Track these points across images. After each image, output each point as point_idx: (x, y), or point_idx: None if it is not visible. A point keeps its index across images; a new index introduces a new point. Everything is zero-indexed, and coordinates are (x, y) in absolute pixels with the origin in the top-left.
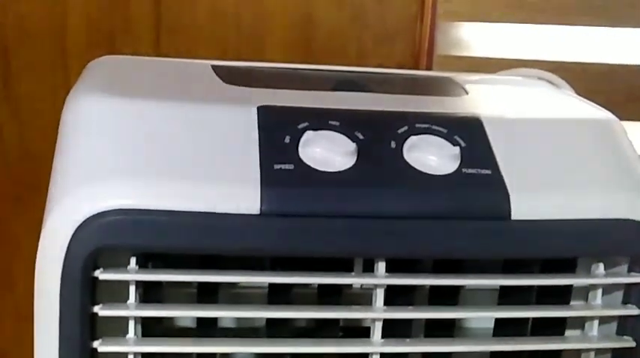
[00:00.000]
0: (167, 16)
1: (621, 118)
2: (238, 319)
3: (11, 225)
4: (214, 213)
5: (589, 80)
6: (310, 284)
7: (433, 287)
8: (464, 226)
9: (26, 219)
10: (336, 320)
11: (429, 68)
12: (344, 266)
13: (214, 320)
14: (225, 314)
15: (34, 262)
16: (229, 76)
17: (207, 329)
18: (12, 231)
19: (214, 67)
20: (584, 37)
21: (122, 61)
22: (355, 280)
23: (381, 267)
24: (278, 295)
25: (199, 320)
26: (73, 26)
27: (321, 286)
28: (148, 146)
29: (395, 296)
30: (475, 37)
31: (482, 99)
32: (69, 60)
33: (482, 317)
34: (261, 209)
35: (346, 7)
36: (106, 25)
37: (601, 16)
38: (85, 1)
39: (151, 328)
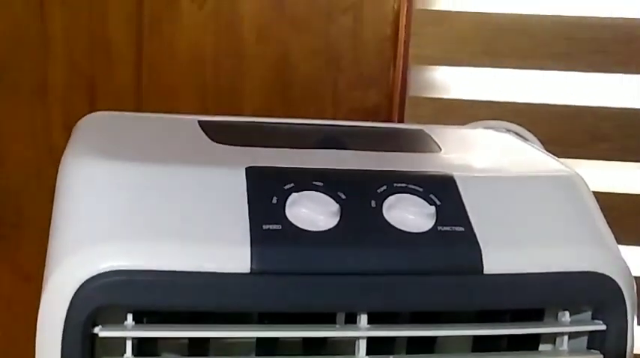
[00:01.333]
0: (148, 60)
1: (586, 157)
2: None
3: None
4: (207, 272)
5: (554, 121)
6: None
7: (411, 337)
8: (440, 281)
9: (7, 256)
10: None
11: (401, 110)
12: (327, 316)
13: None
14: None
15: (13, 299)
16: (217, 134)
17: None
18: None
19: (201, 124)
20: (549, 80)
21: (112, 120)
22: (339, 333)
23: (363, 319)
24: (265, 346)
25: None
26: (54, 68)
27: (305, 337)
28: (142, 209)
29: (375, 344)
30: (445, 80)
31: (454, 155)
32: (50, 101)
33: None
34: (251, 268)
35: (322, 52)
36: (87, 68)
37: (563, 61)
38: (67, 44)
39: None
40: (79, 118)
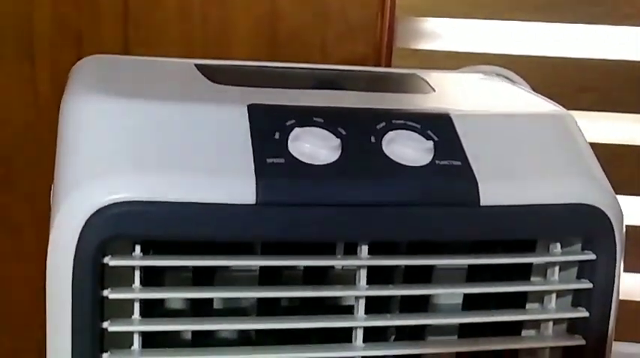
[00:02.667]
0: (135, 12)
1: (571, 108)
2: (230, 301)
3: None
4: (214, 203)
5: (541, 72)
6: (296, 268)
7: (408, 268)
8: (438, 212)
9: None
10: (320, 302)
11: (388, 61)
12: (326, 250)
13: (209, 302)
14: (220, 295)
15: (4, 253)
16: (214, 76)
17: (202, 310)
18: None
19: (198, 67)
20: (536, 32)
21: (110, 62)
22: (341, 262)
23: (364, 249)
24: (268, 278)
25: (194, 302)
26: (40, 22)
27: (306, 269)
28: (148, 143)
29: (374, 275)
30: (432, 32)
31: (448, 96)
32: (36, 55)
33: (452, 293)
34: (256, 199)
35: (309, 3)
36: (74, 21)
37: (551, 13)
38: None
39: (151, 310)
40: (66, 72)
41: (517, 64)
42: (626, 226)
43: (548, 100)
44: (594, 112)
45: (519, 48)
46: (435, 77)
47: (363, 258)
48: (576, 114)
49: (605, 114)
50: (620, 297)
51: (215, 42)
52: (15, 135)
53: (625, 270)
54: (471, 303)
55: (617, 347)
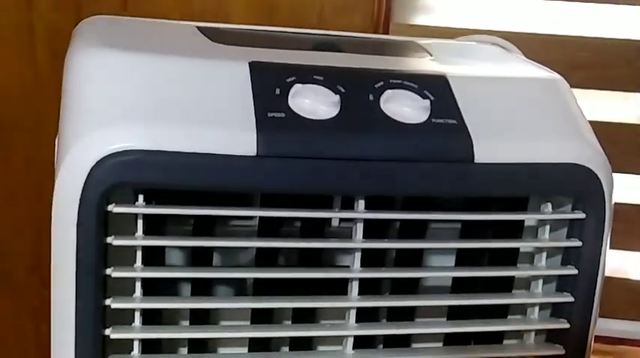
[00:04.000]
0: None
1: None
2: (228, 258)
3: None
4: (216, 154)
5: (534, 49)
6: (294, 226)
7: (403, 225)
8: (434, 168)
9: None
10: (316, 262)
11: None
12: (324, 205)
13: (208, 258)
14: (221, 244)
15: None
16: (216, 36)
17: (201, 265)
18: None
19: (199, 28)
20: (530, 9)
21: (112, 21)
22: (338, 214)
23: (360, 204)
24: (266, 233)
25: (194, 258)
26: None
27: (303, 226)
28: (153, 95)
29: (370, 233)
30: (429, 7)
31: (445, 60)
32: (34, 20)
33: (445, 255)
34: (257, 151)
35: None
36: None
37: None
38: None
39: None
40: (65, 39)
41: (511, 40)
42: (616, 204)
43: (542, 66)
44: (586, 90)
45: (513, 24)
46: (432, 44)
47: (360, 212)
48: None
49: (597, 92)
50: (609, 275)
51: (213, 15)
52: (11, 102)
53: (612, 248)
54: (464, 261)
55: (606, 325)
